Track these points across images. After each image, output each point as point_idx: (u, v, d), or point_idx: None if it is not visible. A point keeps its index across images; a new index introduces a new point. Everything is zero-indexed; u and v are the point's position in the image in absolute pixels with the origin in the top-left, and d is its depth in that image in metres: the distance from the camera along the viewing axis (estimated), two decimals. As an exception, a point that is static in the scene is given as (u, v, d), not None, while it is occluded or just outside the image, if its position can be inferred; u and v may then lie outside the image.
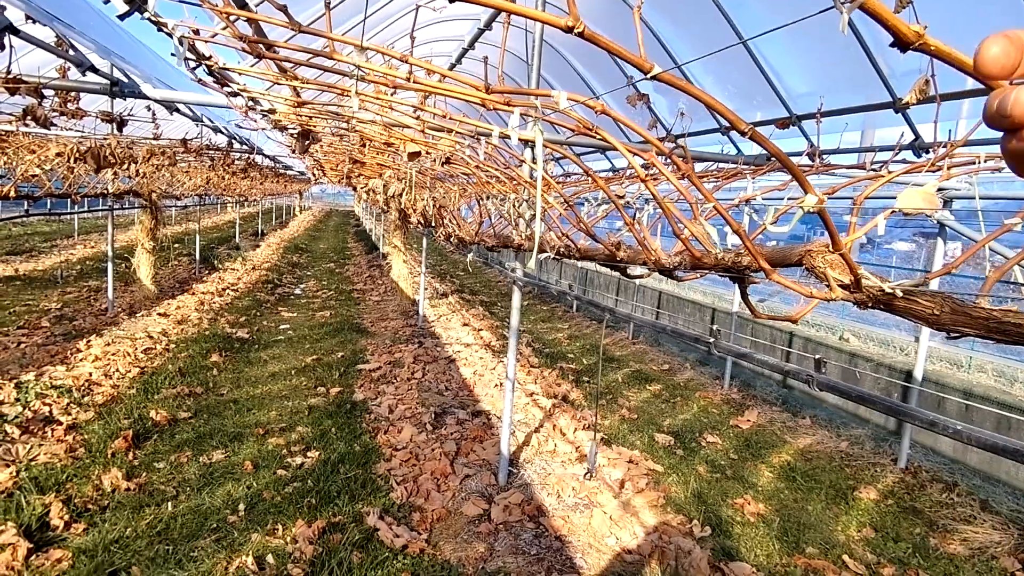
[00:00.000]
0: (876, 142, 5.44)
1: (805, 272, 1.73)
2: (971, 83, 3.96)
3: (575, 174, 8.65)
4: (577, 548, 4.14)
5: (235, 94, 2.75)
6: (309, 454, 5.23)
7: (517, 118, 1.83)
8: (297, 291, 13.86)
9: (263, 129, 4.06)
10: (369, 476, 4.93)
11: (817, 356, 1.73)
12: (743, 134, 1.12)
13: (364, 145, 4.36)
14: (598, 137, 1.81)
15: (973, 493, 5.23)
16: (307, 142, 4.17)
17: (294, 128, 3.94)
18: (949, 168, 2.02)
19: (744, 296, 2.03)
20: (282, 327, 10.06)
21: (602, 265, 2.95)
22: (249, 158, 9.74)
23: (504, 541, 4.17)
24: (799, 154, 4.23)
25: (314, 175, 10.82)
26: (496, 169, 3.57)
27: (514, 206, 3.99)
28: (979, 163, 1.99)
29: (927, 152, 3.97)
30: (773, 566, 4.12)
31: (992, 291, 1.47)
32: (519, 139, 1.96)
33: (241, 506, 4.36)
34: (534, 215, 4.05)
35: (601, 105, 1.50)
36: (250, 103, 3.13)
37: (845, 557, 4.23)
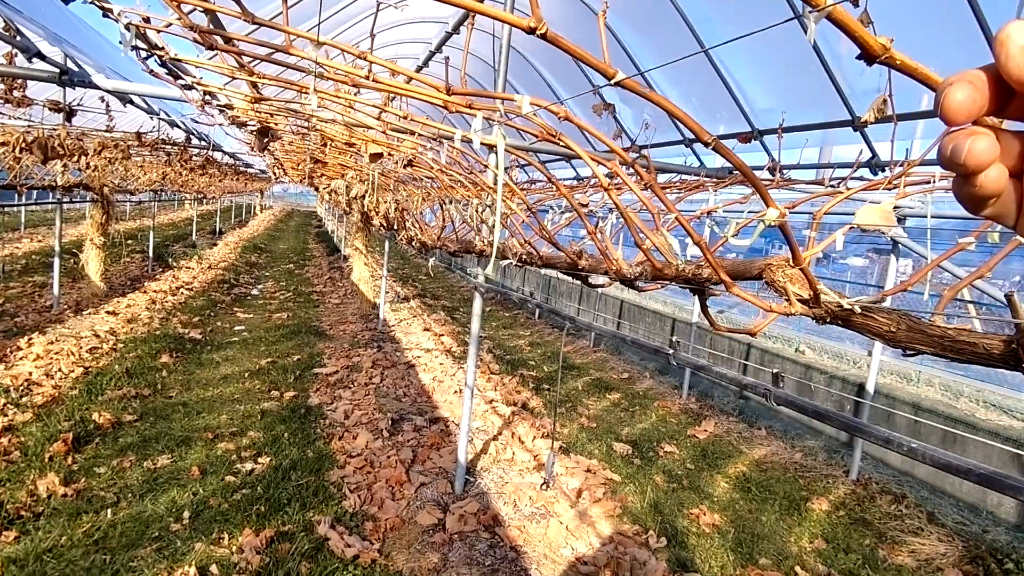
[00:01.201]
0: (834, 159, 5.57)
1: (764, 286, 1.73)
2: (927, 103, 4.08)
3: (539, 181, 8.65)
4: (532, 559, 4.09)
5: (190, 87, 2.65)
6: (260, 460, 5.08)
7: (480, 122, 1.79)
8: (255, 292, 13.55)
9: (221, 125, 3.94)
10: (322, 483, 4.80)
11: (775, 370, 1.73)
12: (707, 145, 1.10)
13: (325, 145, 4.26)
14: (561, 144, 1.78)
15: (921, 505, 5.36)
16: (266, 139, 4.06)
17: (253, 125, 3.83)
18: (905, 187, 2.05)
19: (704, 308, 2.03)
20: (237, 328, 9.80)
21: (564, 273, 2.93)
22: (207, 154, 9.49)
23: (458, 551, 4.10)
24: (760, 168, 4.29)
25: (275, 174, 10.61)
26: (459, 173, 3.53)
27: (477, 211, 3.94)
28: (933, 182, 2.03)
29: (883, 170, 4.08)
30: (727, 577, 4.14)
31: (933, 308, 1.48)
32: (481, 143, 1.92)
33: (186, 514, 4.20)
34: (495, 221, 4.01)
35: (564, 111, 1.47)
36: (206, 97, 3.02)
37: (797, 568, 4.28)
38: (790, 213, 3.09)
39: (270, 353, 8.39)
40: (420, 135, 2.74)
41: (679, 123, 1.11)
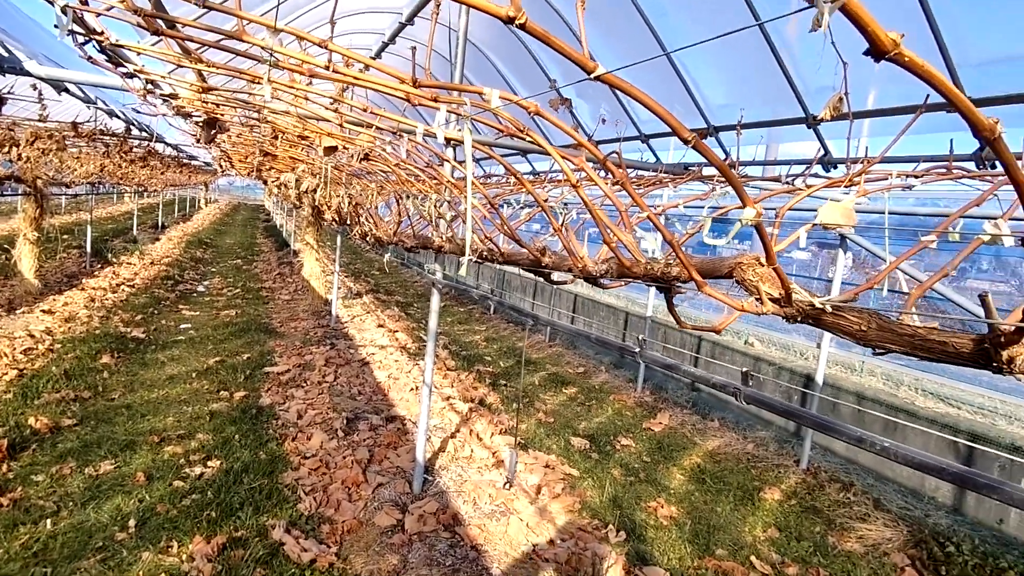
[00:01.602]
0: (780, 155, 5.70)
1: (733, 284, 1.73)
2: (873, 103, 4.19)
3: (496, 175, 8.59)
4: (493, 557, 4.06)
5: (131, 75, 2.50)
6: (210, 463, 4.89)
7: (443, 115, 1.73)
8: (200, 288, 13.09)
9: (164, 115, 3.74)
10: (275, 486, 4.66)
11: (744, 369, 1.73)
12: (687, 143, 1.07)
13: (276, 137, 4.11)
14: (528, 139, 1.74)
15: (867, 492, 5.55)
16: (213, 131, 3.89)
17: (199, 116, 3.66)
18: (864, 183, 2.09)
19: (670, 306, 2.02)
20: (183, 326, 9.44)
21: (526, 270, 2.89)
22: (149, 146, 9.09)
23: (418, 552, 4.04)
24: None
25: (221, 166, 10.25)
26: (417, 167, 3.45)
27: (435, 206, 3.87)
28: (891, 180, 2.07)
29: (835, 167, 4.18)
30: (686, 569, 4.19)
31: (893, 305, 1.50)
32: (445, 138, 1.86)
33: (132, 522, 4.00)
34: (455, 216, 3.95)
35: (535, 106, 1.43)
36: (149, 86, 2.86)
37: (753, 558, 4.37)
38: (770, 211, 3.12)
39: (218, 352, 8.11)
40: (378, 128, 2.65)
41: (661, 120, 1.08)
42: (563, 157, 1.80)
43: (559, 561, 4.03)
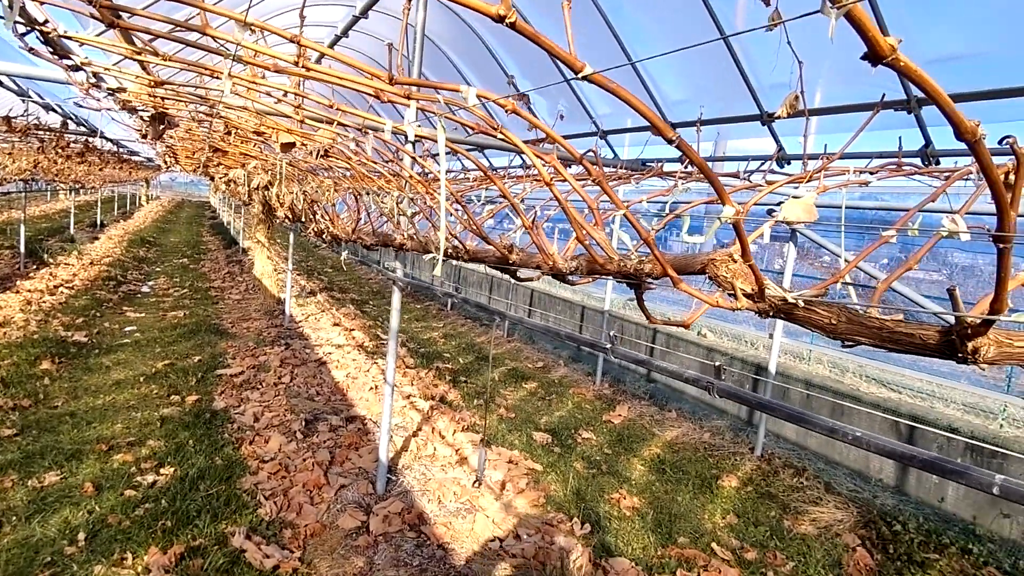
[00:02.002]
0: (731, 151, 5.82)
1: (700, 280, 1.76)
2: (820, 102, 4.33)
3: (453, 171, 8.54)
4: (461, 555, 4.05)
5: (77, 68, 2.38)
6: (163, 471, 4.73)
7: (414, 112, 1.71)
8: (145, 289, 12.62)
9: (108, 110, 3.58)
10: (234, 492, 4.53)
11: (717, 363, 1.77)
12: (671, 142, 1.08)
13: (229, 133, 3.98)
14: (500, 137, 1.72)
15: (819, 476, 5.76)
16: (162, 127, 3.74)
17: (146, 110, 3.51)
18: (823, 179, 2.15)
19: (640, 302, 2.04)
20: (128, 329, 9.08)
21: (492, 267, 2.88)
22: (88, 141, 8.69)
23: (384, 553, 4.00)
24: (674, 160, 4.43)
25: (166, 162, 9.89)
26: (379, 164, 3.39)
27: (397, 203, 3.82)
28: (849, 176, 2.14)
29: (788, 163, 4.31)
30: (650, 558, 4.27)
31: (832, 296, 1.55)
32: (417, 136, 1.83)
33: (81, 535, 3.84)
34: (416, 212, 3.90)
35: (512, 104, 1.42)
36: (94, 79, 2.73)
37: (713, 545, 4.47)
38: (710, 206, 3.17)
39: (167, 355, 7.83)
40: (340, 124, 2.59)
41: (647, 120, 1.08)
42: (535, 155, 1.79)
43: (526, 556, 4.05)
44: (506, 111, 1.39)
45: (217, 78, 1.97)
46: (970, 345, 1.19)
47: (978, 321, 1.13)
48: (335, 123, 2.65)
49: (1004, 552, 4.71)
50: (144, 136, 5.18)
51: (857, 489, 5.61)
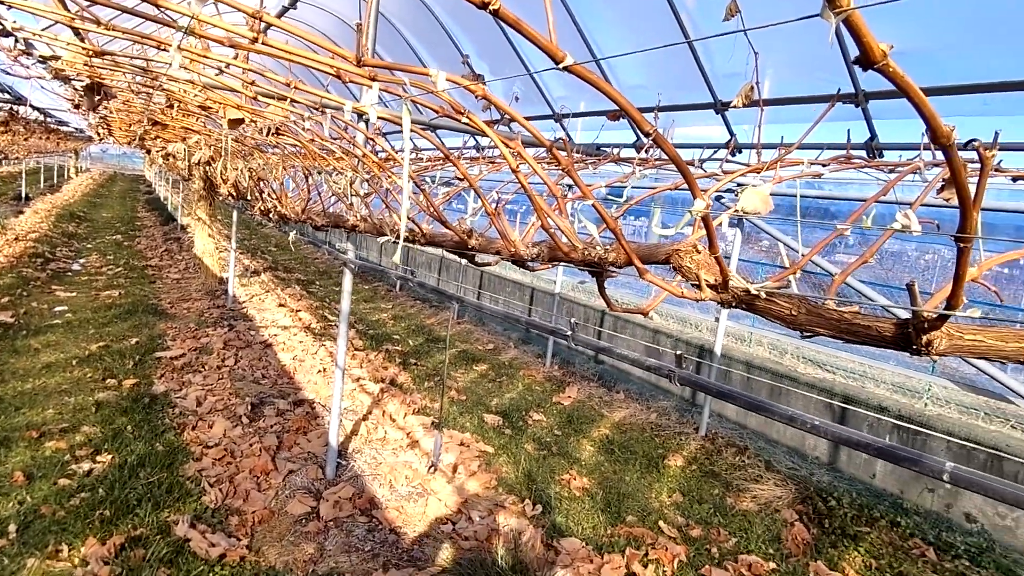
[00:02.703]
0: (680, 138, 5.90)
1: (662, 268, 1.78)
2: (768, 92, 4.42)
3: (401, 152, 8.37)
4: (413, 540, 4.04)
5: (8, 33, 2.20)
6: (100, 458, 4.53)
7: (375, 94, 1.65)
8: (76, 267, 11.99)
9: (38, 78, 3.35)
10: (176, 479, 4.39)
11: (678, 352, 1.79)
12: (647, 136, 1.07)
13: (171, 106, 3.79)
14: (464, 121, 1.69)
15: (760, 455, 5.98)
16: (98, 98, 3.53)
17: (81, 80, 3.31)
18: (779, 169, 2.20)
19: (601, 289, 2.05)
20: (58, 309, 8.62)
21: (450, 252, 2.85)
22: (12, 110, 8.14)
23: (335, 539, 3.95)
24: (629, 146, 4.46)
25: (98, 134, 9.37)
26: (331, 142, 3.29)
27: (351, 184, 3.72)
28: (803, 168, 2.19)
29: (740, 151, 4.39)
30: (599, 537, 4.36)
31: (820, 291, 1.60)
32: (379, 117, 1.78)
33: (12, 527, 3.65)
34: (369, 193, 3.82)
35: (482, 89, 1.39)
36: (23, 46, 2.54)
37: (660, 523, 4.60)
38: (671, 192, 3.21)
39: (101, 336, 7.48)
40: (294, 101, 2.50)
41: (625, 112, 1.07)
42: (504, 142, 1.76)
43: (479, 539, 4.08)
44: (476, 96, 1.36)
45: (164, 50, 1.86)
46: (924, 338, 1.24)
47: (934, 315, 1.17)
48: (288, 100, 2.55)
49: (928, 524, 5.01)
50: (77, 107, 4.89)
51: (795, 467, 5.86)
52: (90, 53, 2.17)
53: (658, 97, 3.09)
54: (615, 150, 4.32)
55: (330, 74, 1.57)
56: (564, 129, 5.80)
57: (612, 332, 9.90)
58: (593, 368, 8.95)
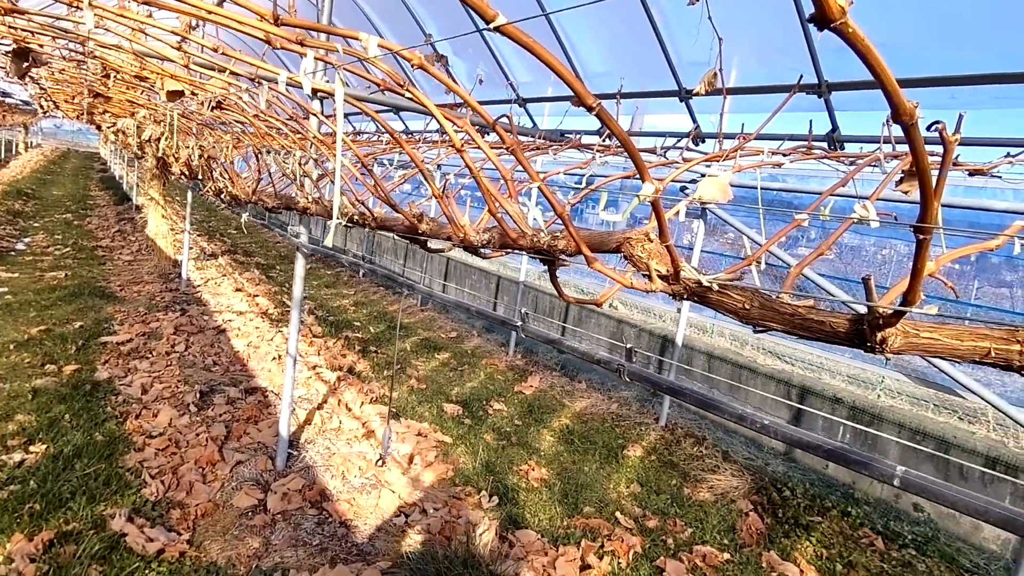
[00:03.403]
0: (648, 127, 5.86)
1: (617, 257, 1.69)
2: (735, 81, 4.37)
3: (367, 132, 8.17)
4: (364, 533, 3.93)
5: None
6: (32, 448, 4.31)
7: (311, 62, 1.52)
8: (20, 246, 11.47)
9: (-43, 39, 3.10)
10: (115, 471, 4.19)
11: (628, 346, 1.71)
12: (591, 110, 0.98)
13: (108, 76, 3.57)
14: (408, 96, 1.57)
15: (717, 445, 6.01)
16: (26, 64, 3.29)
17: (7, 44, 3.07)
18: (739, 158, 2.13)
19: (554, 279, 1.96)
20: (-3, 290, 8.22)
21: (402, 236, 2.73)
22: (-55, 77, 7.67)
23: (282, 533, 3.82)
24: (593, 133, 4.37)
25: (43, 107, 8.91)
26: (279, 120, 3.13)
27: (300, 164, 3.56)
28: (763, 157, 2.13)
29: (703, 141, 4.34)
30: (556, 529, 4.31)
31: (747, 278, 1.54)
32: (313, 89, 1.65)
33: (-70, 522, 3.43)
34: (322, 175, 3.66)
35: (419, 58, 1.27)
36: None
37: (617, 514, 4.57)
38: (628, 181, 3.13)
39: (43, 320, 7.15)
40: (233, 73, 2.34)
41: (564, 82, 0.97)
42: (446, 118, 1.65)
43: (432, 532, 3.99)
44: (412, 65, 1.25)
45: (77, 7, 1.70)
46: (879, 335, 1.17)
47: (890, 311, 1.11)
48: (227, 71, 2.39)
49: (877, 514, 5.09)
50: (7, 74, 4.59)
51: (752, 457, 5.91)
52: (2, 11, 1.98)
53: (620, 82, 3.02)
54: (578, 136, 4.23)
55: (259, 39, 1.43)
56: (529, 114, 5.69)
57: (575, 325, 9.87)
58: (556, 357, 8.90)
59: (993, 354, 1.03)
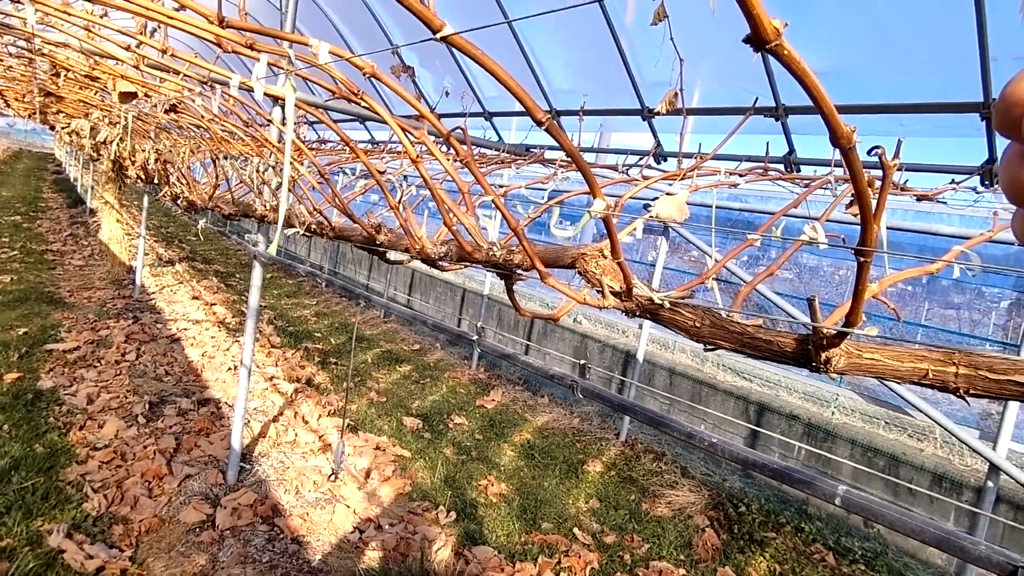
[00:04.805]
0: (615, 145, 5.92)
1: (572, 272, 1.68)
2: (697, 102, 4.45)
3: (331, 141, 8.08)
4: (317, 549, 3.83)
5: None
6: (-34, 461, 4.10)
7: (263, 67, 1.49)
8: (-36, 248, 11.02)
9: None
10: (55, 484, 4.01)
11: (582, 362, 1.71)
12: (540, 124, 0.97)
13: (58, 75, 3.46)
14: (363, 104, 1.55)
15: (676, 461, 6.05)
16: (-30, 59, 3.19)
17: (-53, 37, 2.96)
18: (696, 177, 2.16)
19: (510, 294, 1.95)
20: (-63, 294, 7.86)
21: (359, 247, 2.69)
22: None
23: (231, 549, 3.70)
24: (556, 149, 4.39)
25: (-8, 104, 8.62)
26: (236, 126, 3.07)
27: (258, 171, 3.49)
28: (720, 177, 2.16)
29: (665, 159, 4.40)
30: (513, 545, 4.26)
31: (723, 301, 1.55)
32: (265, 94, 1.61)
33: None
34: (281, 183, 3.60)
35: (371, 67, 1.25)
36: None
37: (576, 529, 4.55)
38: (590, 197, 3.15)
39: (-15, 325, 6.86)
40: (186, 75, 2.28)
41: (513, 95, 0.96)
42: (403, 129, 1.63)
43: (387, 548, 3.91)
44: (364, 73, 1.23)
45: (19, 2, 1.64)
46: (823, 355, 1.19)
47: (833, 332, 1.12)
48: (180, 74, 2.33)
49: (829, 529, 5.17)
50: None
51: (709, 473, 5.96)
52: (-60, 4, 1.90)
53: (583, 99, 3.03)
54: (541, 151, 4.25)
55: (210, 41, 1.40)
56: (495, 128, 5.69)
57: (540, 337, 9.87)
58: (519, 372, 8.88)
59: (931, 375, 1.04)
